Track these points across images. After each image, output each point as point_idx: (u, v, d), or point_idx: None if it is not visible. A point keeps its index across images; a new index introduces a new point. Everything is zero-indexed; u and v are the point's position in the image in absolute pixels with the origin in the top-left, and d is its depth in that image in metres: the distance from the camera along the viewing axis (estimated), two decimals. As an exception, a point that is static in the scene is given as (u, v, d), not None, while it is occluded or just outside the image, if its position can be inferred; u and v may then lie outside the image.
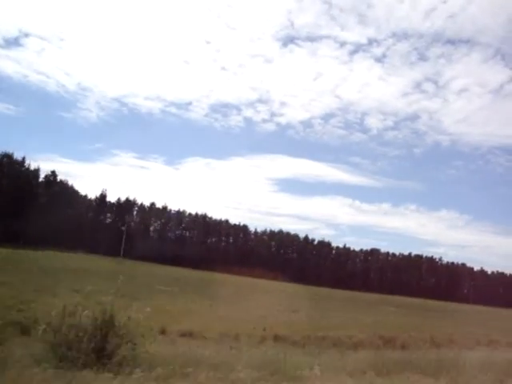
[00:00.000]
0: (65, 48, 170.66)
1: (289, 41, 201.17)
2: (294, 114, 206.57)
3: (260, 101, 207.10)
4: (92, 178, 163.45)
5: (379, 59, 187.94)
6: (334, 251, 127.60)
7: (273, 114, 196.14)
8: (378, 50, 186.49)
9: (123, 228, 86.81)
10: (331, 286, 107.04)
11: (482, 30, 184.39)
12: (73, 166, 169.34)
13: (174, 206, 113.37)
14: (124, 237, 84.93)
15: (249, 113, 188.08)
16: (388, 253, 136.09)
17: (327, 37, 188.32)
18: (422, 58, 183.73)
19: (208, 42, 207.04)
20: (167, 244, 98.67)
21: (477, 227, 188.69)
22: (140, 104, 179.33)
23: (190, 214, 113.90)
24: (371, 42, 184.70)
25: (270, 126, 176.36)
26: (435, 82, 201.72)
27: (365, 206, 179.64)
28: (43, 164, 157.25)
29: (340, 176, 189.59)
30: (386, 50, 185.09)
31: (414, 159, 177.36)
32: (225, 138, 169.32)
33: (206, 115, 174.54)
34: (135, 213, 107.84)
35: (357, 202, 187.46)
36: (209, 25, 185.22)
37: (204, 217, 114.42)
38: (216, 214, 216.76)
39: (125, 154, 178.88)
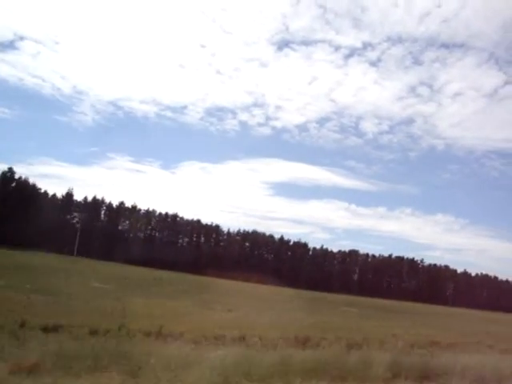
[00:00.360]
0: (60, 51, 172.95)
1: (284, 45, 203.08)
2: (289, 118, 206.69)
3: (255, 105, 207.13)
4: (88, 181, 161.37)
5: (374, 63, 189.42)
6: (310, 252, 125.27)
7: (268, 118, 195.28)
8: (372, 54, 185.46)
9: (77, 226, 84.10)
10: (307, 288, 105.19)
11: (476, 34, 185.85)
12: (68, 170, 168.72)
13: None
14: (78, 235, 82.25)
15: (244, 117, 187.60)
16: (367, 254, 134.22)
17: (322, 41, 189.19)
18: (417, 62, 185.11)
19: (203, 46, 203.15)
20: (134, 244, 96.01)
21: (472, 231, 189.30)
22: (135, 108, 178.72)
23: (159, 214, 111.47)
24: (366, 46, 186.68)
25: (266, 130, 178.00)
26: (430, 86, 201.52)
27: (360, 210, 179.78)
28: (38, 167, 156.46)
29: (336, 180, 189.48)
30: (380, 54, 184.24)
31: (410, 163, 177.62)
32: (220, 142, 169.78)
33: (202, 119, 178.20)
34: (103, 212, 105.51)
35: (353, 206, 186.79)
36: (204, 29, 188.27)
37: (175, 216, 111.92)
38: (212, 218, 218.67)
39: (121, 158, 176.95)
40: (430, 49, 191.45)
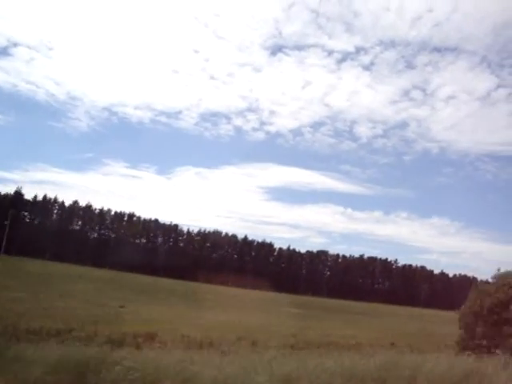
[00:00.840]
0: (54, 57, 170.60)
1: (277, 49, 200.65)
2: (283, 123, 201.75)
3: (249, 109, 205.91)
4: (84, 188, 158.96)
5: (367, 67, 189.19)
6: (275, 253, 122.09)
7: (262, 123, 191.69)
8: (365, 58, 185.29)
9: (6, 222, 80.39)
10: (272, 289, 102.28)
11: (468, 37, 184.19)
12: (64, 176, 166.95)
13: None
14: (6, 232, 78.46)
15: (238, 122, 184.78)
16: (338, 255, 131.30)
17: (315, 45, 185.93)
18: (410, 65, 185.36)
19: (196, 52, 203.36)
20: (86, 243, 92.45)
21: (468, 234, 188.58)
22: (130, 113, 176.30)
23: (115, 213, 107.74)
24: (359, 50, 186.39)
25: (260, 135, 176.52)
26: (423, 90, 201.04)
27: (356, 214, 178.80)
28: (34, 174, 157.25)
29: (331, 184, 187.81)
30: (373, 58, 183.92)
31: (404, 167, 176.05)
32: (215, 147, 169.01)
33: (196, 124, 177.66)
34: (56, 211, 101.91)
35: (348, 210, 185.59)
36: (197, 34, 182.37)
37: (131, 216, 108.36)
38: (208, 223, 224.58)
39: (116, 164, 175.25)
40: (423, 53, 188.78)
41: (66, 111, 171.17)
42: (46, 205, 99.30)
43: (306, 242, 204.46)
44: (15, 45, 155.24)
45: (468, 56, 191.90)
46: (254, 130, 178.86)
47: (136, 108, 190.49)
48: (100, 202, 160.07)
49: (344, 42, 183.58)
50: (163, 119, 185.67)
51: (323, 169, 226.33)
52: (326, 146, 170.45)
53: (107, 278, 62.29)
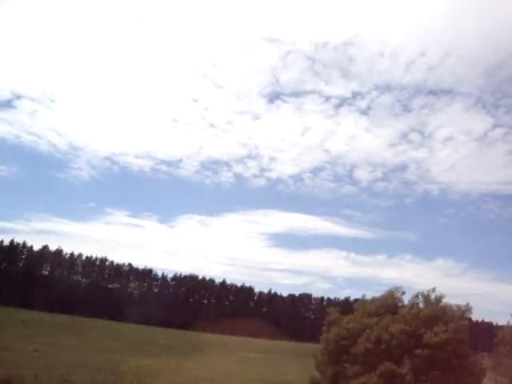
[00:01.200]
0: (56, 109, 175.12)
1: (275, 97, 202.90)
2: (283, 169, 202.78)
3: (249, 156, 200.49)
4: (87, 237, 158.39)
5: (364, 112, 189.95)
6: (255, 297, 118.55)
7: (262, 170, 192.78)
8: (362, 103, 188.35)
9: None
10: (250, 335, 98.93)
11: (462, 80, 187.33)
12: (67, 226, 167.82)
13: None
14: None
15: (239, 169, 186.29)
16: (322, 298, 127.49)
17: (312, 92, 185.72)
18: (406, 109, 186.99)
19: (195, 100, 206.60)
20: (53, 289, 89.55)
21: (474, 275, 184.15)
22: (131, 162, 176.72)
23: (86, 258, 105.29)
24: (355, 95, 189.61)
25: (261, 181, 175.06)
26: (421, 132, 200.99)
27: (360, 258, 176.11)
28: (37, 224, 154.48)
29: (333, 229, 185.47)
30: (370, 103, 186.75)
31: (406, 209, 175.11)
32: (217, 195, 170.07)
33: (197, 172, 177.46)
34: (23, 257, 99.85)
35: (352, 254, 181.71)
36: (196, 83, 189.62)
37: (103, 260, 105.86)
38: (210, 271, 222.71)
39: (118, 213, 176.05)
40: (418, 96, 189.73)
41: (68, 161, 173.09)
42: (13, 250, 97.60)
43: (310, 288, 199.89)
44: (19, 97, 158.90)
45: (463, 98, 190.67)
46: (255, 176, 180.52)
47: (137, 157, 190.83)
48: (103, 251, 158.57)
49: (341, 88, 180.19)
50: (164, 168, 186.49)
51: (325, 213, 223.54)
52: (326, 191, 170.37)
53: (56, 323, 59.81)
